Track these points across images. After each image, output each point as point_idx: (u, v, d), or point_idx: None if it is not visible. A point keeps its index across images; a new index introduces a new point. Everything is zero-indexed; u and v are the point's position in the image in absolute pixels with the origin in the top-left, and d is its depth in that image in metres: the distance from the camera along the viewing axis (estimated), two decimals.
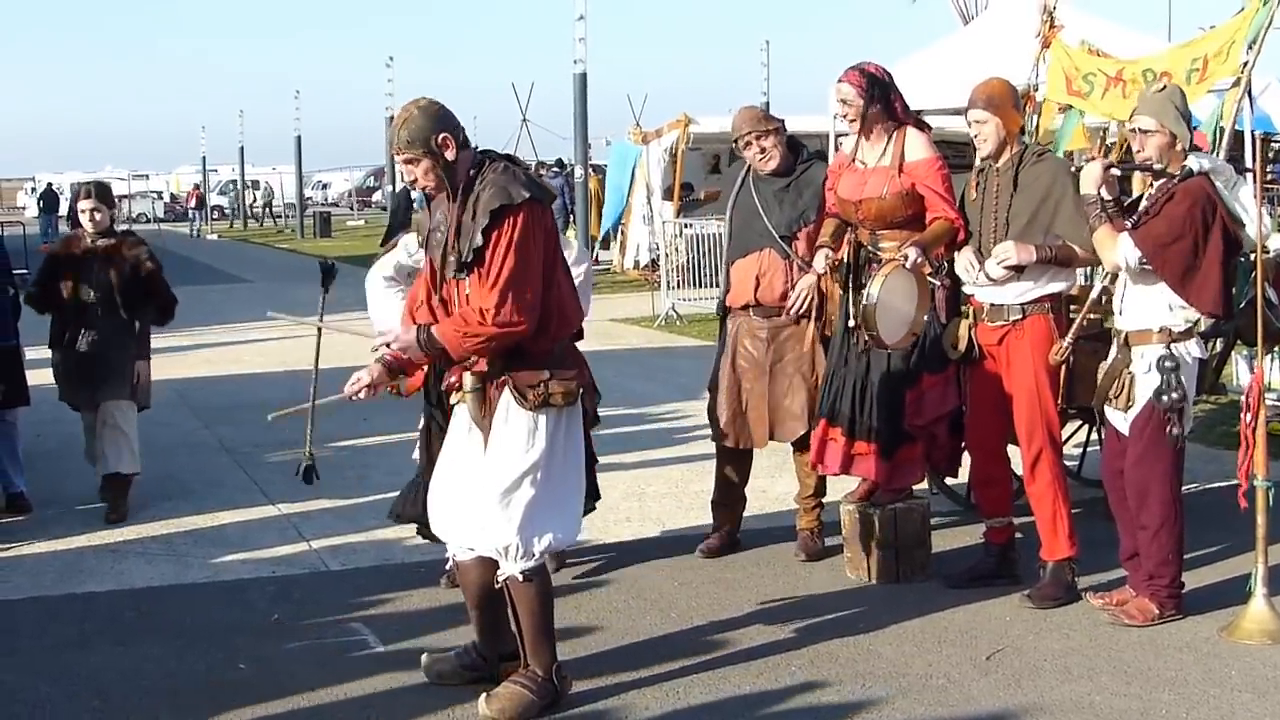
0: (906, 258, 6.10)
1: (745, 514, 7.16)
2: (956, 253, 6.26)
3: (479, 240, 4.74)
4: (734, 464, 7.01)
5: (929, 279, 6.32)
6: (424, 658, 5.36)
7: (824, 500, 7.01)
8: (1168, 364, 5.61)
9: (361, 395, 4.95)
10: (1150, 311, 5.69)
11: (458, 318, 4.83)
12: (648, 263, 21.48)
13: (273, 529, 7.76)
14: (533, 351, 4.84)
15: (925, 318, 6.24)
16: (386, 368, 4.98)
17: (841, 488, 6.98)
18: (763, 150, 6.75)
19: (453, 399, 5.11)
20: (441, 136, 4.84)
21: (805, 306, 6.68)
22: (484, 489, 4.89)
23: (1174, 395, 5.61)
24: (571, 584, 6.51)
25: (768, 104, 42.17)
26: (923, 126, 6.46)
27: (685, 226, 19.13)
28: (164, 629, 6.07)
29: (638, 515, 7.57)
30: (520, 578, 4.91)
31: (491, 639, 5.23)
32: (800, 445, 6.89)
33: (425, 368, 5.49)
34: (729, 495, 7.05)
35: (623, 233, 23.74)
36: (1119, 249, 5.61)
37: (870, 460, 6.57)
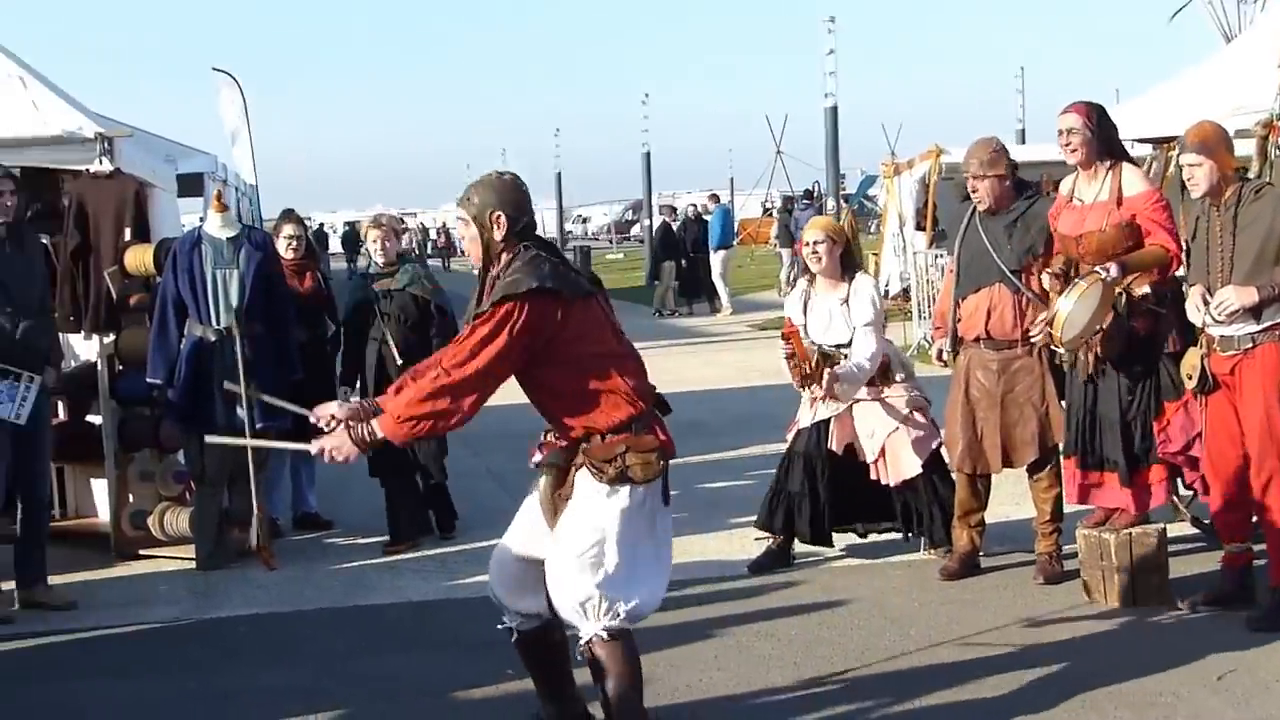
0: (1108, 271, 6.29)
1: (984, 538, 7.35)
2: (1187, 291, 6.35)
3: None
4: (972, 489, 7.22)
5: (1154, 308, 6.48)
6: None
7: (1062, 525, 7.17)
8: None
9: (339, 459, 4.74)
10: None
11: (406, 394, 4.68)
12: (898, 292, 21.53)
13: None
14: (603, 428, 4.64)
15: (1098, 328, 6.42)
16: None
17: (1083, 513, 7.12)
18: (975, 191, 7.03)
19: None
20: (495, 214, 4.71)
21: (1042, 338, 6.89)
22: (561, 550, 4.69)
23: None
24: (811, 602, 6.82)
25: (1023, 130, 41.48)
26: (1135, 163, 6.63)
27: (938, 257, 19.13)
28: (439, 639, 6.60)
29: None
30: (605, 636, 4.64)
31: (561, 704, 5.18)
32: (1035, 470, 7.10)
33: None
34: (969, 520, 7.26)
35: (875, 263, 23.84)
36: None
37: (1110, 489, 6.73)
